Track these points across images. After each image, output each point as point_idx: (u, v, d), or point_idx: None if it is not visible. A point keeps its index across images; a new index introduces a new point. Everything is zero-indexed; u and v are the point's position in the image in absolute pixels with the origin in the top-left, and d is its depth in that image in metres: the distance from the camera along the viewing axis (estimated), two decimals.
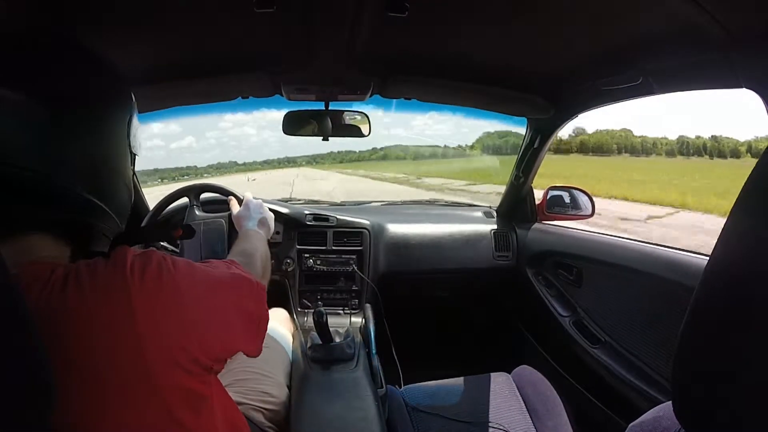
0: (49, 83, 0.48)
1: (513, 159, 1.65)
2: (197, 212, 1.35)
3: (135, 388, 0.45)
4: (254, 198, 1.20)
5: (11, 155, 0.45)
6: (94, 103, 0.52)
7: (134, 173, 0.62)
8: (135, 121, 0.60)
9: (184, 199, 1.40)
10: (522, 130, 1.58)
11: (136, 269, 0.48)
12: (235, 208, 1.17)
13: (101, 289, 0.46)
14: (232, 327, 0.58)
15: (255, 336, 0.64)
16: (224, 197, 1.32)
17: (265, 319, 0.66)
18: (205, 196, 1.43)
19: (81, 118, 0.50)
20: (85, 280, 0.46)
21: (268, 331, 1.23)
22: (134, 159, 0.62)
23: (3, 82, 0.45)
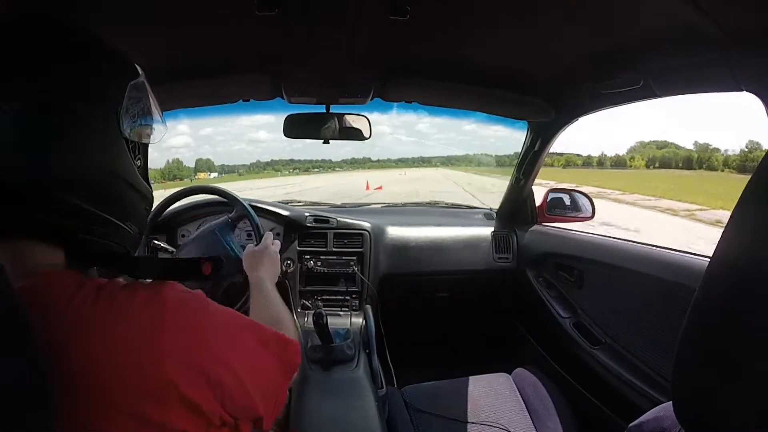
0: (20, 78, 0.44)
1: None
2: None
3: (143, 416, 0.43)
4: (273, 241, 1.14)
5: None
6: (61, 93, 0.46)
7: (145, 166, 0.55)
8: (132, 105, 0.52)
9: (185, 200, 1.40)
10: (522, 133, 1.59)
11: (177, 311, 0.47)
12: (250, 247, 1.11)
13: (135, 318, 0.44)
14: (264, 380, 0.55)
15: (274, 410, 0.58)
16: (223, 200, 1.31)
17: (295, 368, 0.62)
18: (201, 198, 1.44)
19: (51, 110, 0.45)
20: (120, 300, 0.45)
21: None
22: (143, 149, 0.55)
23: None
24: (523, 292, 1.64)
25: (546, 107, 1.33)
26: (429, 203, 2.21)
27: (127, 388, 0.43)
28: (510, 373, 1.37)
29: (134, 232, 0.54)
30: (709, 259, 0.36)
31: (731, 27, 0.68)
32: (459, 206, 2.08)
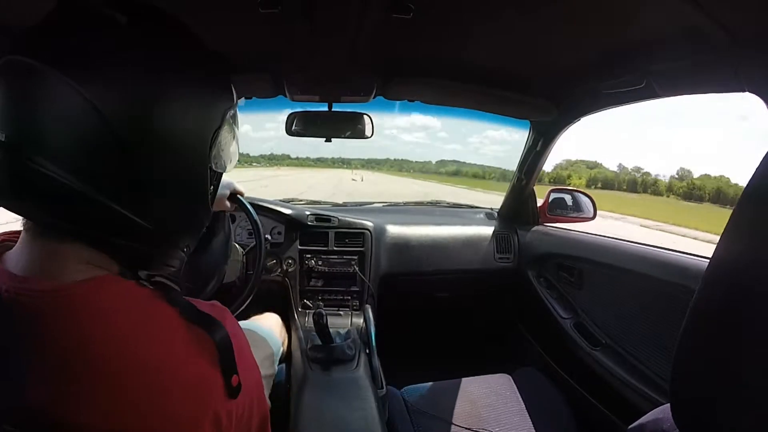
0: (98, 74, 0.38)
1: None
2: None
3: None
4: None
5: (39, 151, 0.37)
6: (163, 107, 0.41)
7: (214, 193, 0.51)
8: (225, 132, 0.48)
9: None
10: (525, 133, 1.59)
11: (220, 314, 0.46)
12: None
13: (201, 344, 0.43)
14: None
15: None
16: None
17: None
18: None
19: (136, 125, 0.40)
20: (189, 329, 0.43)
21: (255, 330, 1.20)
22: (218, 177, 0.51)
23: (56, 65, 0.37)
24: (523, 292, 1.64)
25: (548, 107, 1.33)
26: (430, 202, 2.21)
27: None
28: (510, 374, 1.37)
29: (182, 254, 0.51)
30: (708, 260, 0.36)
31: (734, 28, 0.67)
32: (460, 206, 2.08)
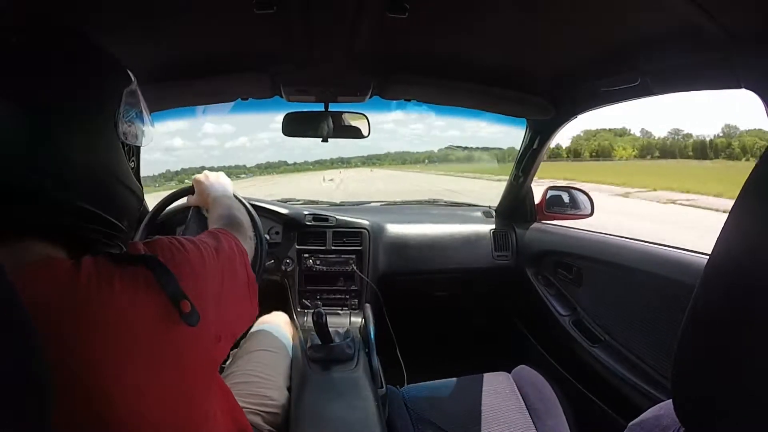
0: (24, 81, 0.45)
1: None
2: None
3: (164, 359, 0.47)
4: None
5: None
6: (63, 97, 0.48)
7: (137, 168, 0.59)
8: (127, 109, 0.55)
9: (183, 200, 1.39)
10: (521, 131, 1.59)
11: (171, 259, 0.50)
12: (192, 198, 1.14)
13: (129, 281, 0.46)
14: (239, 297, 0.62)
15: (251, 300, 0.66)
16: None
17: (253, 280, 0.68)
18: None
19: (53, 114, 0.46)
20: (114, 273, 0.46)
21: (269, 334, 1.25)
22: (136, 152, 0.57)
23: None
24: (522, 290, 1.64)
25: (545, 105, 1.33)
26: (428, 201, 2.21)
27: (150, 345, 0.46)
28: (509, 372, 1.37)
29: (128, 231, 0.56)
30: (708, 257, 0.36)
31: (731, 26, 0.67)
32: (458, 204, 2.08)
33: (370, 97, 1.30)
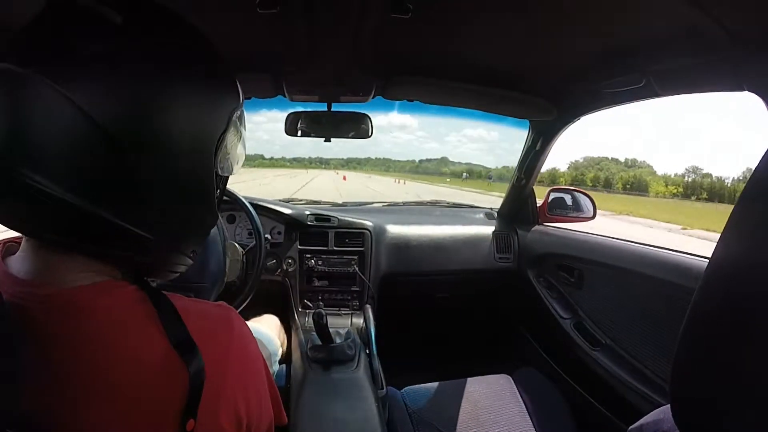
0: (95, 78, 0.36)
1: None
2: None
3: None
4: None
5: (36, 168, 0.35)
6: (162, 113, 0.39)
7: (221, 197, 0.50)
8: (230, 135, 0.45)
9: None
10: (524, 132, 1.58)
11: (236, 340, 0.45)
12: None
13: (209, 334, 0.42)
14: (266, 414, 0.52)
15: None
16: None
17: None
18: None
19: (140, 141, 0.38)
20: (193, 317, 0.42)
21: (254, 334, 1.20)
22: (224, 180, 0.50)
23: (39, 68, 0.35)
24: (523, 292, 1.64)
25: (548, 107, 1.33)
26: (430, 202, 2.21)
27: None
28: (510, 374, 1.37)
29: (188, 258, 0.49)
30: (708, 260, 0.36)
31: (734, 28, 0.67)
32: (460, 206, 2.08)
33: (373, 97, 1.31)
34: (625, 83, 1.01)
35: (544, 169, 1.67)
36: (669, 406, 0.41)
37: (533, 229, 1.68)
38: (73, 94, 0.35)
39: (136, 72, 0.37)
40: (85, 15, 0.36)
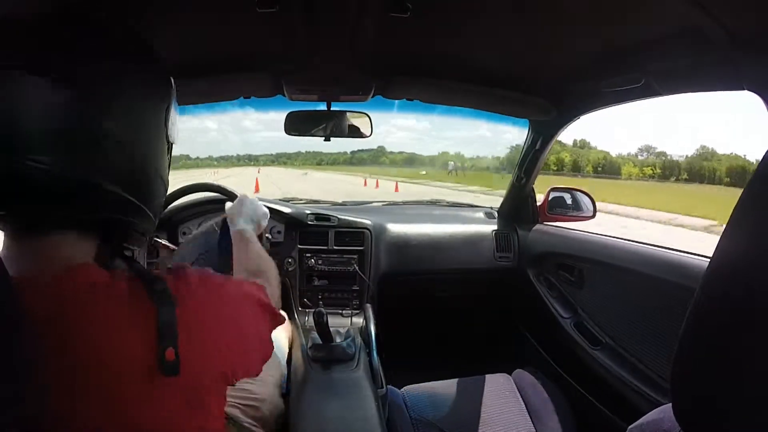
0: (77, 69, 0.44)
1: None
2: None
3: (135, 403, 0.44)
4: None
5: (35, 150, 0.41)
6: (130, 92, 0.48)
7: (170, 163, 0.59)
8: (174, 108, 0.57)
9: (186, 198, 1.40)
10: (524, 132, 1.58)
11: (182, 288, 0.49)
12: (229, 204, 1.12)
13: (131, 309, 0.45)
14: (254, 352, 0.59)
15: (262, 360, 0.63)
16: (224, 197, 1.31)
17: (271, 348, 0.65)
18: (202, 195, 1.43)
19: (115, 107, 0.46)
20: (123, 294, 0.45)
21: None
22: (171, 148, 0.59)
23: (28, 69, 0.41)
24: (523, 291, 1.64)
25: (547, 106, 1.32)
26: (430, 201, 2.21)
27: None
28: (510, 374, 1.37)
29: (155, 221, 0.57)
30: (709, 260, 0.36)
31: (734, 27, 0.67)
32: (460, 205, 2.08)
33: (372, 96, 1.30)
34: (624, 82, 1.01)
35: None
36: (669, 405, 0.41)
37: (533, 228, 1.68)
38: (69, 89, 0.43)
39: (110, 72, 0.47)
40: (70, 22, 0.46)
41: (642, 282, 1.14)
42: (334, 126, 1.41)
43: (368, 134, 1.44)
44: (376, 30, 0.90)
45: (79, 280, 0.45)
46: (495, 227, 1.73)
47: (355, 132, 1.43)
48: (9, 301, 0.37)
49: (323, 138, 1.44)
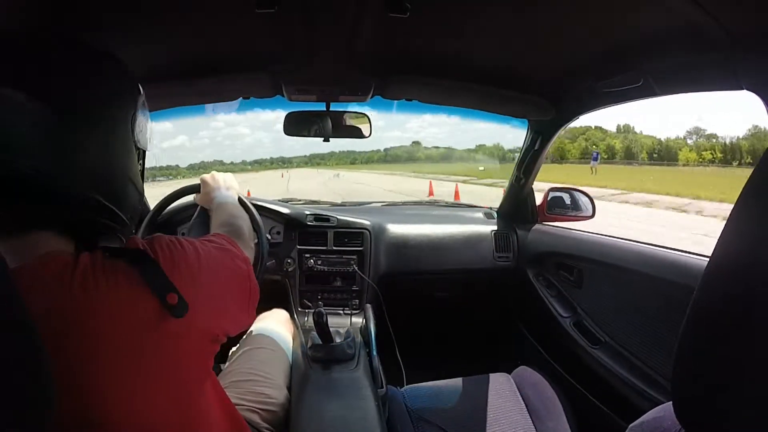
0: (50, 82, 0.48)
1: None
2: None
3: (154, 354, 0.48)
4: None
5: (15, 155, 0.45)
6: (94, 101, 0.52)
7: (143, 170, 0.64)
8: (140, 116, 0.60)
9: (185, 199, 1.40)
10: (523, 131, 1.58)
11: (149, 252, 0.51)
12: (196, 195, 1.16)
13: (120, 277, 0.48)
14: (235, 302, 0.63)
15: (250, 308, 0.68)
16: None
17: (256, 290, 0.69)
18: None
19: (83, 117, 0.50)
20: (109, 269, 0.48)
21: (268, 333, 1.26)
22: (143, 155, 0.62)
23: (3, 82, 0.45)
24: (523, 291, 1.64)
25: (546, 106, 1.33)
26: (429, 202, 2.21)
27: (143, 345, 0.48)
28: (510, 373, 1.37)
29: (130, 224, 0.60)
30: (708, 259, 0.36)
31: (732, 26, 0.67)
32: (459, 205, 2.08)
33: (372, 96, 1.30)
34: (623, 82, 1.01)
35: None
36: (669, 403, 0.41)
37: (533, 228, 1.68)
38: (39, 100, 0.46)
39: (63, 76, 0.50)
40: (39, 46, 0.50)
41: (641, 281, 1.15)
42: (333, 126, 1.41)
43: (367, 134, 1.44)
44: (375, 30, 0.90)
45: (59, 260, 0.48)
46: (494, 227, 1.73)
47: (354, 132, 1.43)
48: (21, 306, 0.38)
49: (322, 138, 1.44)
